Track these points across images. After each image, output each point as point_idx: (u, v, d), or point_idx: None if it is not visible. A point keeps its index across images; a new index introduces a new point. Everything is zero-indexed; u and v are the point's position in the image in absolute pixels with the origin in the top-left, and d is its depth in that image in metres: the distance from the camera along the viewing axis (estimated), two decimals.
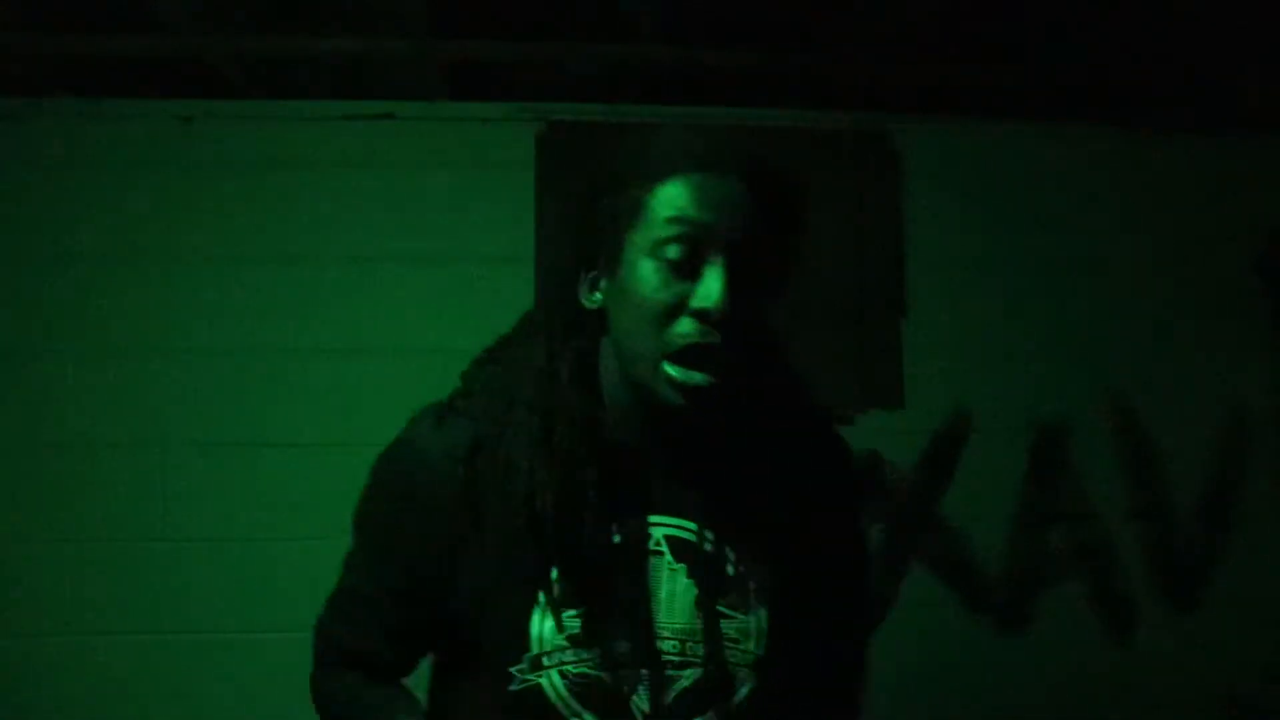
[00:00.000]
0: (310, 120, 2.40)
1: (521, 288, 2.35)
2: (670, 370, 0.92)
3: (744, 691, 0.99)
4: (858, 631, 1.17)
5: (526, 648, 0.97)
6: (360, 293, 2.37)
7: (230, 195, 2.36)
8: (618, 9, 2.10)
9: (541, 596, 0.98)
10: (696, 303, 0.91)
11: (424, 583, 1.04)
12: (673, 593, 0.99)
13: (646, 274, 0.93)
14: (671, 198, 0.93)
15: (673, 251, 0.92)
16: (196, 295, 2.33)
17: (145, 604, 2.25)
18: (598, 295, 1.01)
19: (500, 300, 2.41)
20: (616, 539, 1.00)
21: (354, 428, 2.33)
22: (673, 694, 0.97)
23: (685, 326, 0.92)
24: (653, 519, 1.01)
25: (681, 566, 1.00)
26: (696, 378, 0.92)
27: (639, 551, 1.00)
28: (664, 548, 1.00)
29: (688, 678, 0.98)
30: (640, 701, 0.97)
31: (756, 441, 1.04)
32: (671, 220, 0.93)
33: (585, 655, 0.97)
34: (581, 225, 1.02)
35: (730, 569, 1.01)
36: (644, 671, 0.97)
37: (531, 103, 2.44)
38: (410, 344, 2.36)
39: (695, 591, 0.99)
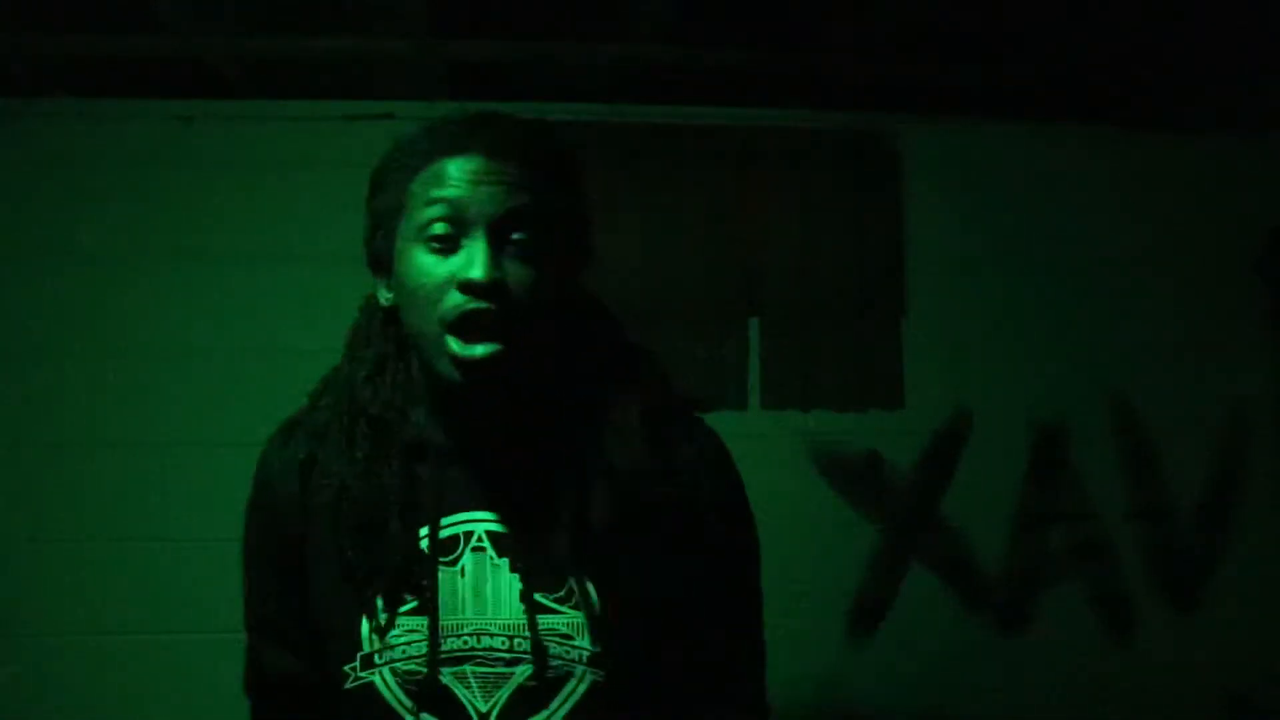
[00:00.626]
0: (310, 120, 2.40)
1: None
2: (451, 345, 0.93)
3: (582, 688, 0.97)
4: (733, 623, 1.09)
5: (358, 646, 0.98)
6: (360, 293, 2.36)
7: (230, 195, 2.36)
8: (618, 9, 2.10)
9: (369, 595, 0.98)
10: (460, 273, 0.93)
11: (293, 593, 1.06)
12: (497, 588, 0.98)
13: (417, 259, 0.96)
14: (428, 182, 0.96)
15: (436, 229, 0.95)
16: (196, 295, 2.33)
17: (145, 604, 2.25)
18: (389, 294, 1.04)
19: None
20: (426, 538, 0.99)
21: None
22: (507, 691, 0.96)
23: (455, 299, 0.93)
24: (472, 515, 1.00)
25: (504, 561, 0.99)
26: (476, 350, 0.92)
27: (457, 549, 1.00)
28: (485, 543, 1.00)
29: (519, 675, 0.96)
30: (474, 699, 0.96)
31: (583, 433, 1.02)
32: (430, 203, 0.95)
33: (413, 653, 0.97)
34: (364, 229, 1.07)
35: (558, 563, 0.98)
36: (471, 669, 0.97)
37: (531, 103, 2.44)
38: None
39: (520, 586, 0.98)
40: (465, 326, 0.92)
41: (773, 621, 1.11)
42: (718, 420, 1.13)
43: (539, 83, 2.41)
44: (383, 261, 1.03)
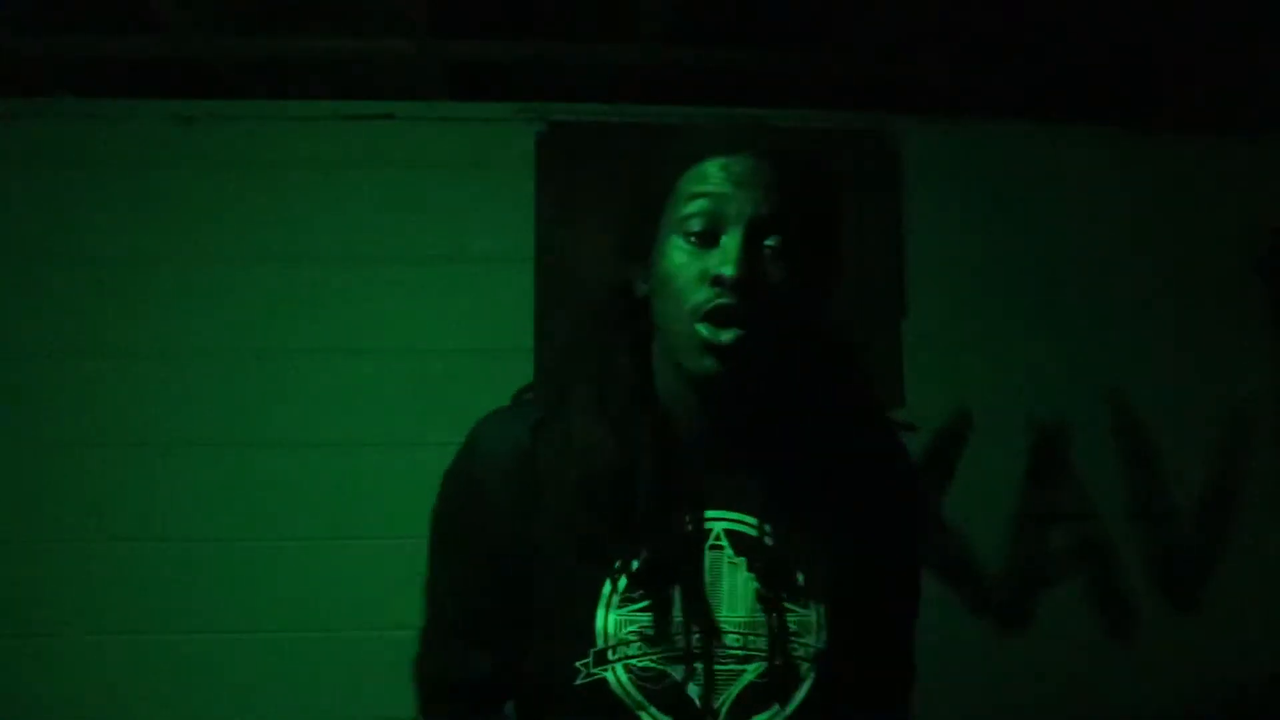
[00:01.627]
0: (310, 120, 2.40)
1: (521, 288, 2.36)
2: (701, 331, 0.96)
3: (806, 685, 0.99)
4: (910, 626, 1.19)
5: (592, 642, 0.97)
6: (360, 293, 2.37)
7: (230, 195, 2.36)
8: (618, 9, 2.10)
9: (606, 590, 0.98)
10: (714, 268, 0.95)
11: (506, 585, 1.03)
12: (733, 587, 1.00)
13: (674, 250, 0.99)
14: (695, 177, 0.99)
15: (695, 224, 0.97)
16: (196, 295, 2.33)
17: (145, 604, 2.25)
18: (644, 285, 1.05)
19: (500, 300, 2.42)
20: (676, 532, 1.01)
21: (354, 428, 2.33)
22: (736, 689, 0.98)
23: (707, 293, 0.96)
24: (712, 513, 1.02)
25: (742, 560, 1.01)
26: (723, 336, 0.95)
27: (700, 545, 1.01)
28: (724, 542, 1.02)
29: (751, 672, 0.98)
30: (704, 695, 0.97)
31: (812, 433, 1.05)
32: (693, 197, 0.98)
33: (649, 649, 0.97)
34: (624, 218, 1.07)
35: (790, 563, 1.01)
36: (699, 665, 0.98)
37: (531, 103, 2.44)
38: (410, 344, 2.36)
39: (756, 585, 1.00)
40: (716, 317, 0.95)
41: None
42: None
43: (539, 83, 2.41)
44: (641, 252, 1.04)
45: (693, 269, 0.97)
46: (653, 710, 0.96)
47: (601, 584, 0.98)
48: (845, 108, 2.52)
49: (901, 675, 1.17)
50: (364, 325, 2.37)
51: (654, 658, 0.97)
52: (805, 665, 0.99)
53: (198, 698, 2.24)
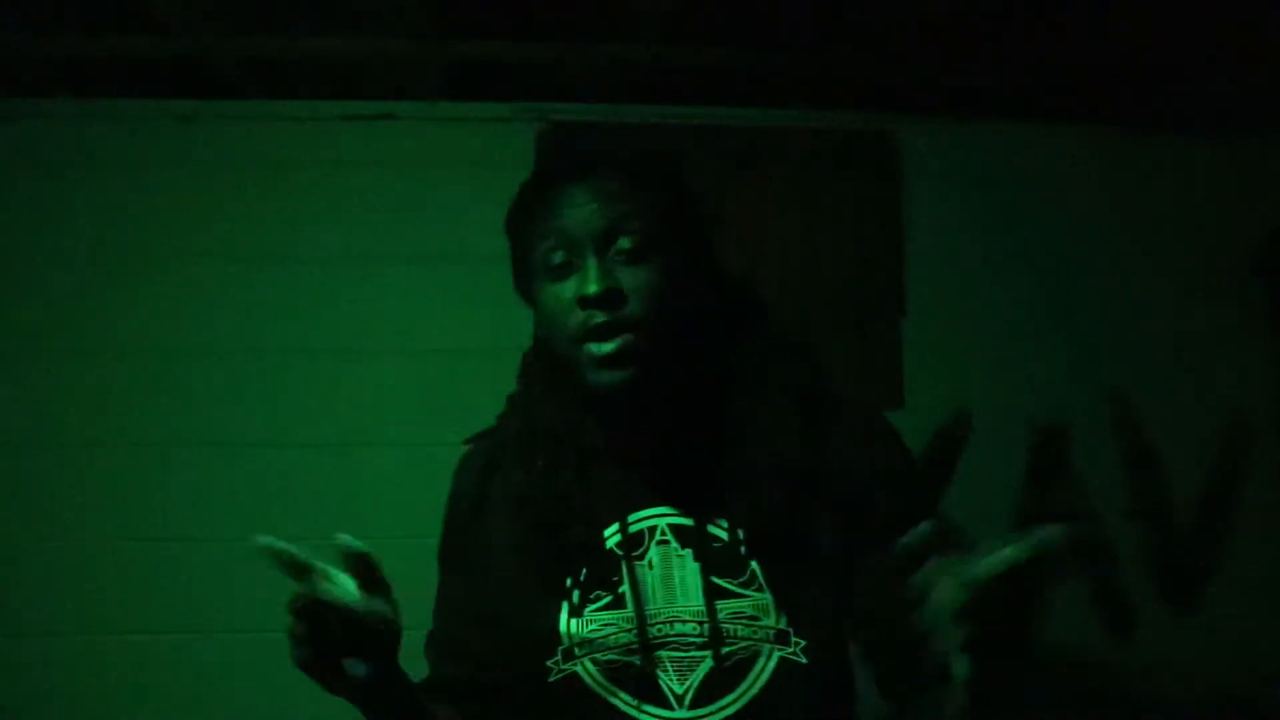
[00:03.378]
0: (310, 120, 2.40)
1: None
2: (588, 350, 1.01)
3: (771, 665, 1.03)
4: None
5: (559, 641, 1.05)
6: (360, 293, 2.37)
7: (230, 195, 2.36)
8: (618, 9, 2.10)
9: (565, 602, 1.06)
10: (578, 293, 1.01)
11: (478, 605, 1.14)
12: (684, 577, 1.05)
13: (545, 290, 1.05)
14: (538, 220, 1.06)
15: (553, 259, 1.04)
16: (196, 295, 2.33)
17: (145, 604, 2.25)
18: (540, 328, 1.11)
19: (500, 300, 2.39)
20: (615, 536, 1.07)
21: (354, 428, 2.33)
22: (700, 673, 1.03)
23: (579, 316, 1.01)
24: (654, 511, 1.08)
25: (687, 552, 1.06)
26: (606, 348, 1.00)
27: (643, 544, 1.07)
28: (669, 536, 1.07)
29: (712, 656, 1.03)
30: (670, 681, 1.03)
31: (741, 419, 1.08)
32: (542, 237, 1.05)
33: (611, 644, 1.04)
34: (512, 276, 1.14)
35: (736, 548, 1.05)
36: (666, 654, 1.03)
37: (531, 103, 2.44)
38: (410, 344, 2.36)
39: (703, 574, 1.05)
40: (591, 336, 1.01)
41: None
42: None
43: (539, 83, 2.41)
44: (530, 298, 1.11)
45: (564, 299, 1.02)
46: (623, 695, 1.03)
47: (559, 600, 1.06)
48: (845, 108, 2.52)
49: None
50: (364, 325, 2.37)
51: (617, 652, 1.04)
52: (767, 646, 1.03)
53: (198, 698, 2.24)
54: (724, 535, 1.06)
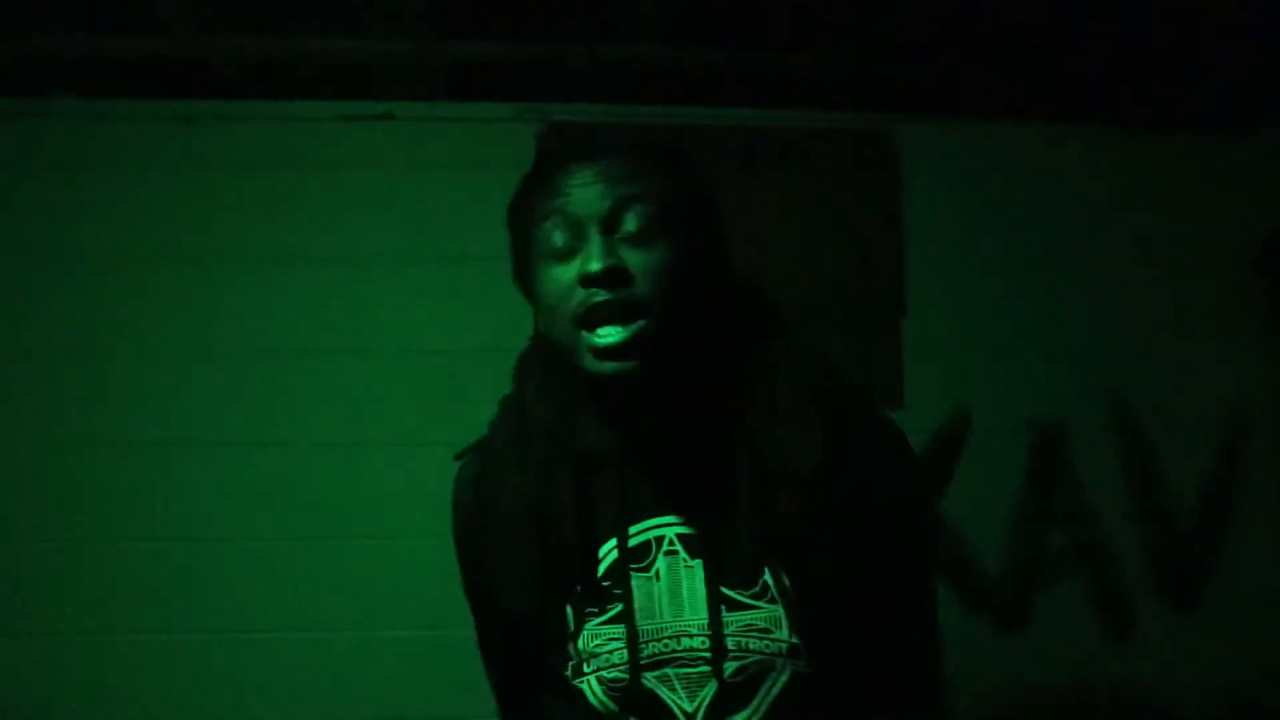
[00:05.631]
0: (310, 120, 2.40)
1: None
2: (585, 339, 0.95)
3: (784, 679, 0.98)
4: (917, 613, 1.10)
5: (569, 657, 1.01)
6: (360, 293, 2.37)
7: (230, 195, 2.36)
8: (618, 9, 2.10)
9: (570, 612, 1.01)
10: (579, 272, 0.95)
11: (494, 614, 1.10)
12: (693, 589, 0.99)
13: (547, 274, 0.99)
14: (542, 203, 1.00)
15: (557, 240, 0.98)
16: (196, 295, 2.33)
17: (145, 604, 2.25)
18: (540, 320, 1.04)
19: (500, 300, 2.40)
20: (617, 546, 1.01)
21: (354, 428, 2.33)
22: (711, 689, 0.97)
23: (580, 295, 0.95)
24: (661, 520, 1.02)
25: (697, 563, 1.00)
26: (608, 337, 0.94)
27: (649, 554, 1.01)
28: (678, 546, 1.01)
29: (725, 672, 0.97)
30: (679, 700, 0.98)
31: (755, 425, 1.01)
32: (545, 218, 0.99)
33: (615, 661, 0.98)
34: (512, 266, 1.08)
35: (749, 560, 0.99)
36: (674, 670, 0.98)
37: (531, 103, 2.44)
38: (410, 344, 2.36)
39: (714, 586, 1.00)
40: (593, 318, 0.94)
41: None
42: None
43: (539, 83, 2.41)
44: (530, 289, 1.05)
45: (564, 281, 0.96)
46: (630, 718, 0.98)
47: (564, 609, 1.01)
48: (845, 108, 2.52)
49: (916, 667, 1.10)
50: (364, 325, 2.37)
51: (622, 668, 0.98)
52: (780, 660, 0.97)
53: (198, 698, 2.24)
54: (736, 545, 0.99)
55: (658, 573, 1.00)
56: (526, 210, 1.02)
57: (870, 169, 2.52)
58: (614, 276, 0.94)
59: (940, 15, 2.14)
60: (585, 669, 0.99)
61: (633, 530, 1.01)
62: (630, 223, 0.97)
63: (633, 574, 1.00)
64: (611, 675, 0.98)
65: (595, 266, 0.93)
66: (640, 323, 0.94)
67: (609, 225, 0.96)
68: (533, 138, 2.41)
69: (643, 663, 0.98)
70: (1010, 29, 2.20)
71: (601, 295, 0.94)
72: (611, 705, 0.98)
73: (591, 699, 0.99)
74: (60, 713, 2.21)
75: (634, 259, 0.95)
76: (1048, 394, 2.50)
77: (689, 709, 0.97)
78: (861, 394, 1.11)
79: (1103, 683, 2.43)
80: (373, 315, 2.37)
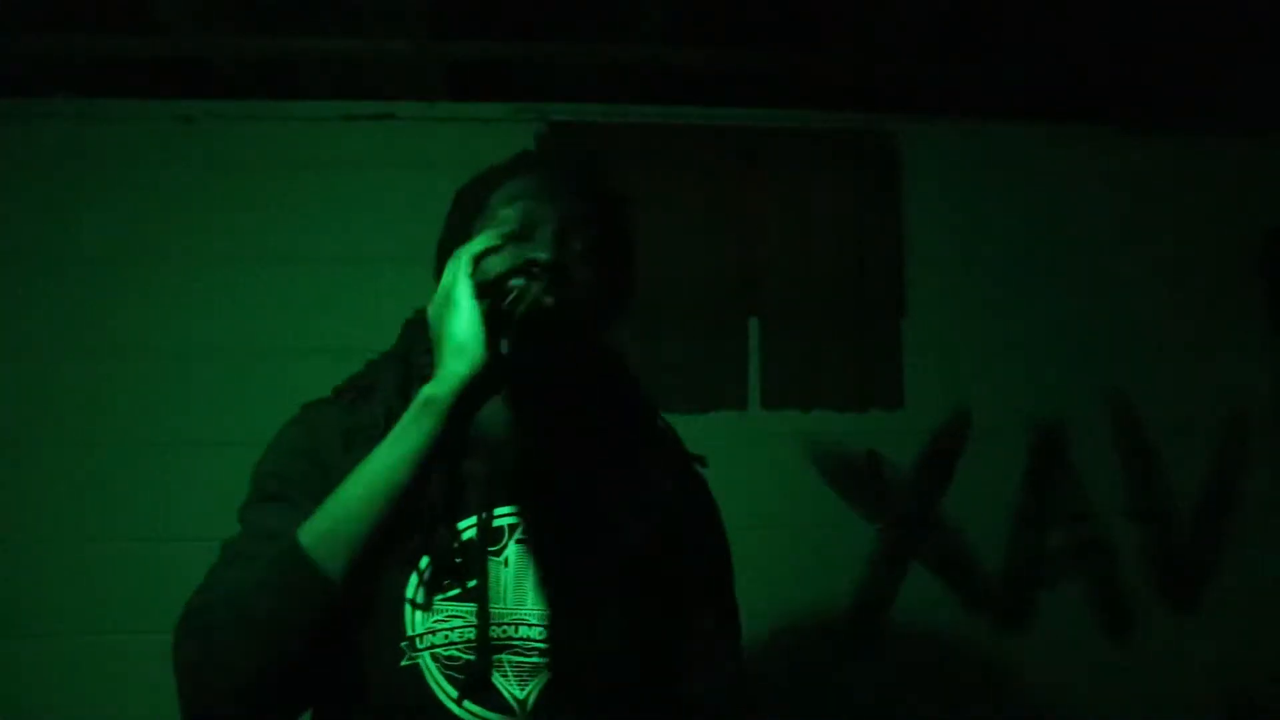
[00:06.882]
0: (310, 120, 2.40)
1: None
2: (525, 284, 0.96)
3: (606, 680, 1.02)
4: (721, 629, 1.16)
5: (403, 631, 1.00)
6: (360, 293, 2.37)
7: (230, 195, 2.36)
8: (618, 9, 2.10)
9: (413, 583, 1.01)
10: (528, 256, 0.97)
11: None
12: (537, 580, 1.02)
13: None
14: (507, 191, 1.06)
15: (510, 223, 1.02)
16: (196, 295, 2.33)
17: (145, 604, 2.25)
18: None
19: None
20: (472, 528, 1.03)
21: None
22: (543, 679, 0.99)
23: (519, 269, 0.97)
24: (514, 508, 1.05)
25: (546, 555, 1.03)
26: (545, 294, 0.95)
27: (502, 539, 1.03)
28: (527, 536, 1.03)
29: (548, 668, 1.00)
30: (510, 687, 0.99)
31: (619, 463, 1.09)
32: (508, 203, 1.05)
33: (455, 639, 0.99)
34: (441, 237, 1.13)
35: (593, 561, 1.03)
36: (508, 658, 0.99)
37: (531, 103, 2.44)
38: None
39: (553, 578, 1.03)
40: (535, 281, 0.96)
41: (772, 622, 1.14)
42: (717, 420, 1.16)
43: (539, 83, 2.41)
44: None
45: (506, 256, 0.98)
46: (468, 705, 0.98)
47: (406, 579, 1.01)
48: (845, 108, 2.52)
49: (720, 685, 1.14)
50: (364, 325, 2.36)
51: (460, 647, 0.99)
52: (604, 659, 1.01)
53: None
54: (583, 546, 1.03)
55: (507, 559, 1.02)
56: (481, 193, 1.08)
57: (870, 169, 2.52)
58: (560, 269, 0.97)
59: (940, 15, 2.15)
60: (419, 645, 0.99)
61: (497, 512, 1.04)
62: (580, 241, 1.03)
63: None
64: (449, 653, 0.98)
65: (545, 256, 0.96)
66: (572, 311, 0.97)
67: (564, 229, 1.02)
68: (533, 138, 2.41)
69: (478, 647, 0.99)
70: (1010, 29, 2.20)
71: (540, 278, 0.96)
72: (448, 687, 0.98)
73: (427, 677, 0.98)
74: (60, 713, 2.21)
75: (578, 270, 1.01)
76: (1048, 394, 2.50)
77: (520, 696, 0.99)
78: (694, 456, 1.19)
79: (1102, 683, 2.43)
80: (373, 315, 2.37)
